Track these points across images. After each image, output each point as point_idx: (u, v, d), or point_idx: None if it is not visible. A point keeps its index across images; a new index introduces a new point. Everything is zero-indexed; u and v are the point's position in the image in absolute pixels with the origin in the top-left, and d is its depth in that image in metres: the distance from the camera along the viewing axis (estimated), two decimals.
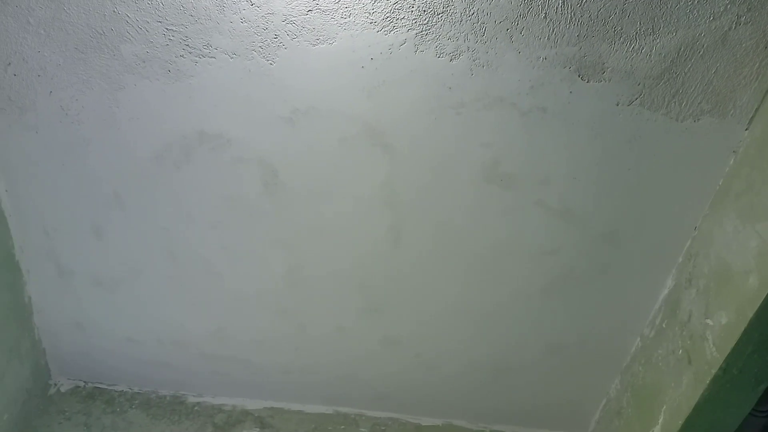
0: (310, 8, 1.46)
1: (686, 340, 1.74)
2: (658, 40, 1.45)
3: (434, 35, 1.49)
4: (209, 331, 2.17)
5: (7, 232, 1.92)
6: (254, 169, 1.73)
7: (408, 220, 1.81)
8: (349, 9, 1.46)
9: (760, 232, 1.46)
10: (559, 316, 2.00)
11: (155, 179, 1.78)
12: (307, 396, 2.36)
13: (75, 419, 2.28)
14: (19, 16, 1.51)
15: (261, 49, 1.53)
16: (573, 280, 1.89)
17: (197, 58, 1.55)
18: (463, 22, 1.46)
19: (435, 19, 1.46)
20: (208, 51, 1.54)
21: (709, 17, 1.41)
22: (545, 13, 1.44)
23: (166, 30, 1.51)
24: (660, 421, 1.82)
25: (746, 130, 1.56)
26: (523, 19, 1.45)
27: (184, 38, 1.52)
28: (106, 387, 2.40)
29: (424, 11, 1.45)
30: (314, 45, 1.52)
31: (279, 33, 1.50)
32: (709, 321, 1.64)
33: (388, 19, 1.47)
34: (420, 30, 1.48)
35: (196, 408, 2.37)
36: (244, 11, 1.47)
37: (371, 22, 1.48)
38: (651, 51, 1.47)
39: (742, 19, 1.40)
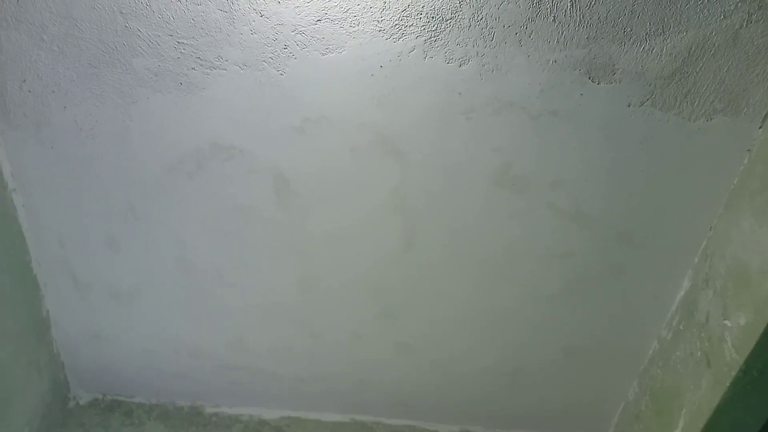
0: (319, 18, 1.47)
1: (704, 342, 1.72)
2: (668, 40, 1.44)
3: (443, 41, 1.49)
4: (225, 341, 2.18)
5: (25, 246, 1.95)
6: (266, 179, 1.74)
7: (420, 226, 1.81)
8: (357, 18, 1.47)
9: None
10: (574, 319, 1.99)
11: (169, 191, 1.79)
12: (324, 404, 2.35)
13: None
14: (33, 34, 1.54)
15: (271, 60, 1.54)
16: (588, 282, 1.88)
17: (208, 71, 1.57)
18: (472, 27, 1.46)
19: (443, 25, 1.47)
20: (219, 63, 1.55)
21: (720, 16, 1.40)
22: (554, 16, 1.44)
23: (177, 43, 1.53)
24: (680, 424, 1.80)
25: (760, 128, 1.55)
26: (532, 22, 1.45)
27: (195, 51, 1.54)
28: (124, 399, 2.41)
29: (433, 18, 1.46)
30: (324, 54, 1.53)
31: (289, 43, 1.52)
32: (727, 322, 1.62)
33: (397, 26, 1.48)
34: (429, 36, 1.49)
35: (213, 419, 2.38)
36: (253, 23, 1.49)
37: (380, 30, 1.49)
38: (661, 51, 1.46)
39: (754, 16, 1.39)
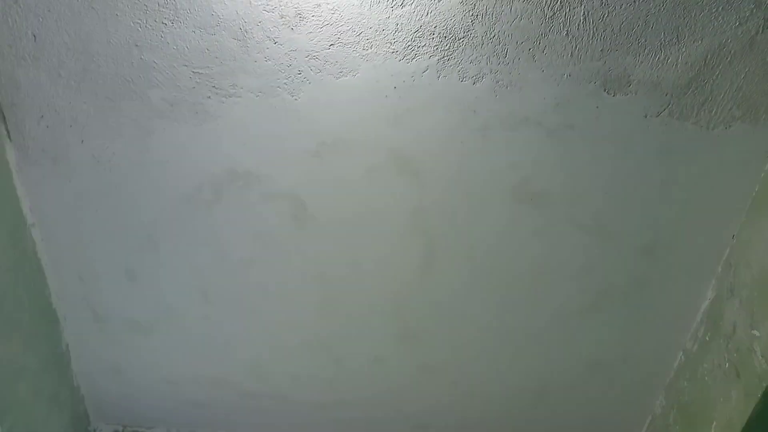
0: (332, 42, 1.48)
1: (732, 353, 1.69)
2: (683, 49, 1.44)
3: (456, 60, 1.49)
4: (245, 369, 2.17)
5: (44, 280, 1.95)
6: (284, 204, 1.74)
7: (440, 246, 1.79)
8: (370, 40, 1.48)
9: None
10: (598, 334, 1.96)
11: (187, 220, 1.79)
12: (345, 428, 2.32)
13: None
14: (51, 70, 1.56)
15: (286, 86, 1.55)
16: (610, 296, 1.86)
17: (224, 99, 1.58)
18: (485, 45, 1.47)
19: (456, 44, 1.47)
20: (234, 91, 1.56)
21: (735, 23, 1.40)
22: (567, 30, 1.44)
23: (192, 73, 1.54)
24: None
25: None
26: (545, 37, 1.45)
27: (211, 80, 1.55)
28: (144, 430, 2.39)
29: (445, 37, 1.46)
30: (338, 78, 1.54)
31: (303, 69, 1.52)
32: (755, 332, 1.59)
33: (410, 47, 1.48)
34: (442, 56, 1.49)
35: None
36: (267, 50, 1.50)
37: (393, 52, 1.49)
38: (677, 61, 1.46)
39: None
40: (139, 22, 1.48)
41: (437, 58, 1.49)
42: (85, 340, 2.12)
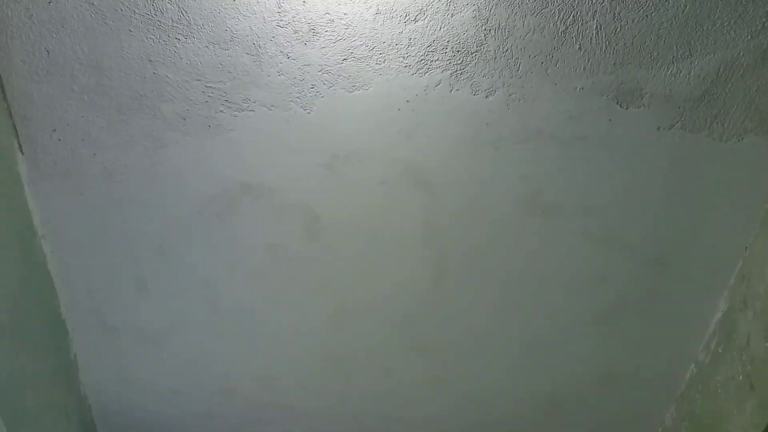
0: (345, 57, 1.49)
1: (746, 365, 1.68)
2: (696, 63, 1.44)
3: (469, 74, 1.50)
4: (254, 380, 2.16)
5: (53, 291, 1.95)
6: (296, 216, 1.74)
7: (452, 257, 1.79)
8: (383, 55, 1.48)
9: None
10: (609, 346, 1.95)
11: (199, 232, 1.79)
12: None
13: None
14: (64, 84, 1.56)
15: (298, 100, 1.55)
16: (622, 308, 1.85)
17: (236, 113, 1.58)
18: (497, 59, 1.47)
19: (469, 58, 1.47)
20: (246, 105, 1.57)
21: (747, 36, 1.40)
22: (579, 44, 1.44)
23: (205, 87, 1.55)
24: None
25: None
26: (558, 51, 1.45)
27: (223, 94, 1.56)
28: None
29: (458, 51, 1.47)
30: (350, 92, 1.54)
31: (315, 83, 1.53)
32: None
33: (423, 61, 1.49)
34: (454, 70, 1.49)
35: None
36: (280, 65, 1.50)
37: (406, 66, 1.50)
38: (689, 74, 1.46)
39: None
40: (153, 37, 1.48)
41: (450, 72, 1.50)
42: (93, 350, 2.12)
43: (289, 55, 1.49)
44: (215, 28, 1.47)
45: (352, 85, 1.53)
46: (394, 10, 1.43)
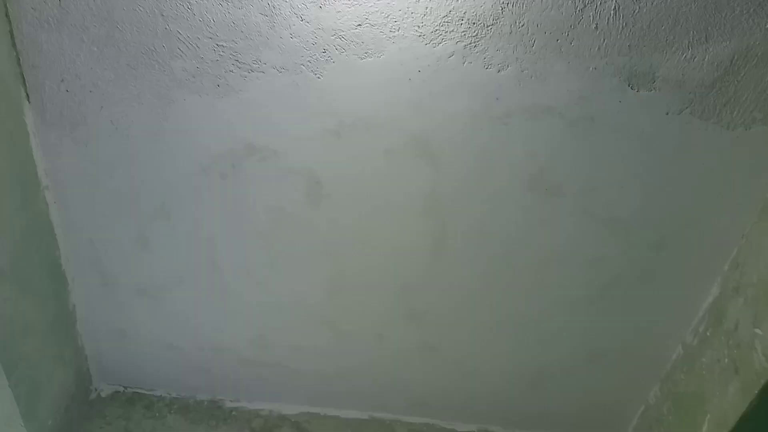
0: (359, 23, 1.47)
1: (733, 350, 1.72)
2: (711, 49, 1.44)
3: (483, 47, 1.49)
4: (248, 338, 2.20)
5: (54, 242, 1.96)
6: (299, 180, 1.75)
7: (452, 230, 1.81)
8: (398, 23, 1.47)
9: None
10: (600, 324, 2.00)
11: (202, 191, 1.80)
12: (343, 402, 2.37)
13: (116, 424, 2.32)
14: (74, 35, 1.54)
15: (309, 64, 1.54)
16: (617, 287, 1.89)
17: (246, 73, 1.57)
18: (513, 33, 1.46)
19: (484, 31, 1.46)
20: (257, 66, 1.56)
21: (765, 25, 1.39)
22: (596, 24, 1.43)
23: (216, 46, 1.53)
24: (704, 429, 1.81)
25: None
26: (574, 30, 1.44)
27: (234, 54, 1.54)
28: (145, 392, 2.43)
29: (474, 23, 1.46)
30: (362, 58, 1.53)
31: (328, 47, 1.52)
32: (758, 330, 1.62)
33: (437, 32, 1.47)
34: (469, 42, 1.48)
35: (233, 413, 2.39)
36: (294, 27, 1.49)
37: (420, 36, 1.48)
38: (703, 60, 1.46)
39: None
40: None
41: (464, 44, 1.49)
42: (91, 302, 2.14)
43: (303, 17, 1.47)
44: None
45: (365, 51, 1.52)
46: None
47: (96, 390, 2.42)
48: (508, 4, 1.42)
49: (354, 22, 1.47)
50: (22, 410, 1.91)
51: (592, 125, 1.58)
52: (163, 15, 1.49)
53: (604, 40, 1.45)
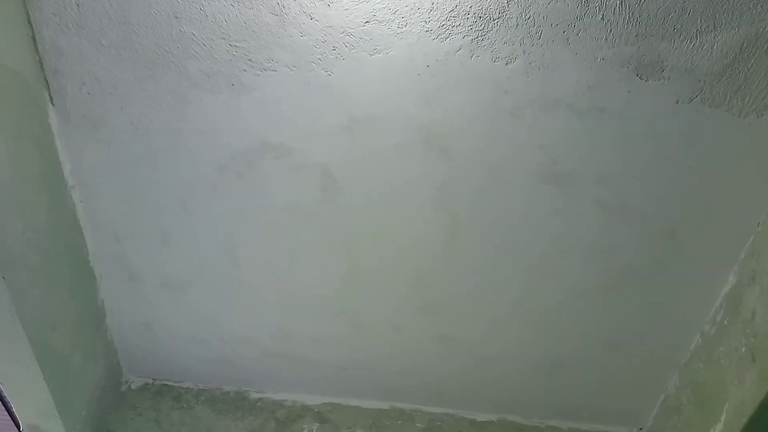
0: (367, 20, 1.50)
1: (750, 338, 1.72)
2: (719, 37, 1.43)
3: (490, 40, 1.50)
4: (270, 330, 2.25)
5: (82, 240, 2.03)
6: (314, 176, 1.79)
7: (465, 222, 1.83)
8: (405, 19, 1.49)
9: None
10: (617, 313, 2.00)
11: (220, 188, 1.85)
12: (364, 392, 2.41)
13: (146, 415, 2.40)
14: (93, 39, 1.60)
15: (320, 61, 1.58)
16: (632, 276, 1.89)
17: (259, 72, 1.61)
18: (519, 26, 1.47)
19: (491, 24, 1.48)
20: (269, 65, 1.59)
21: None
22: (603, 14, 1.43)
23: (229, 46, 1.58)
24: (722, 418, 1.80)
25: None
26: (580, 21, 1.45)
27: (247, 53, 1.58)
28: (173, 384, 2.50)
29: (480, 17, 1.47)
30: (371, 55, 1.56)
31: (337, 45, 1.55)
32: None
33: (444, 27, 1.49)
34: (476, 36, 1.50)
35: (258, 404, 2.45)
36: (303, 25, 1.52)
37: (427, 31, 1.50)
38: (712, 48, 1.45)
39: None
40: None
41: (471, 38, 1.50)
42: (119, 297, 2.22)
43: (312, 16, 1.51)
44: None
45: (374, 48, 1.55)
46: None
47: (127, 382, 2.50)
48: None
49: (362, 19, 1.50)
50: (57, 403, 1.99)
51: (601, 115, 1.58)
52: (177, 17, 1.54)
53: (610, 30, 1.45)
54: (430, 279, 1.98)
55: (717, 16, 1.40)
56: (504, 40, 1.49)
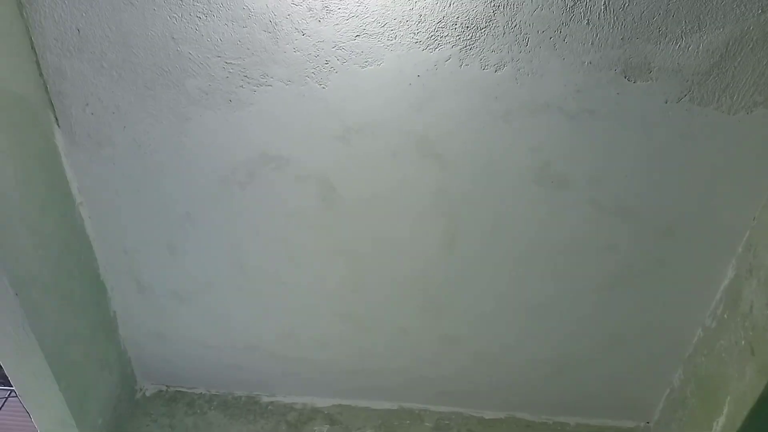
0: (357, 33, 1.53)
1: (748, 331, 1.73)
2: (704, 37, 1.45)
3: (478, 49, 1.53)
4: (278, 335, 2.29)
5: (92, 253, 2.09)
6: (313, 185, 1.83)
7: (462, 225, 1.86)
8: (394, 31, 1.52)
9: None
10: (619, 309, 2.02)
11: (223, 200, 1.90)
12: (373, 393, 2.45)
13: (161, 421, 2.45)
14: (94, 62, 1.65)
15: (314, 75, 1.62)
16: (631, 274, 1.91)
17: (255, 87, 1.65)
18: (506, 34, 1.50)
19: (478, 33, 1.51)
20: (265, 80, 1.64)
21: (758, 10, 1.40)
22: (588, 20, 1.46)
23: (225, 64, 1.62)
24: (724, 411, 1.82)
25: None
26: (566, 26, 1.47)
27: (243, 70, 1.63)
28: (186, 390, 2.56)
29: (467, 27, 1.50)
30: (363, 67, 1.59)
31: (329, 59, 1.58)
32: None
33: (432, 37, 1.53)
34: (464, 45, 1.53)
35: (269, 407, 2.50)
36: (296, 41, 1.56)
37: (416, 42, 1.54)
38: (698, 48, 1.47)
39: None
40: (175, 16, 1.55)
41: (459, 47, 1.53)
42: (130, 308, 2.27)
43: (304, 32, 1.55)
44: (233, 7, 1.53)
45: (365, 60, 1.58)
46: None
47: (141, 390, 2.56)
48: (499, 6, 1.46)
49: (352, 34, 1.54)
50: (74, 412, 2.05)
51: (592, 118, 1.60)
52: (174, 38, 1.59)
53: (596, 34, 1.47)
54: (431, 281, 2.02)
55: (701, 17, 1.42)
56: (492, 48, 1.52)
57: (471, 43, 1.52)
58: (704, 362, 1.98)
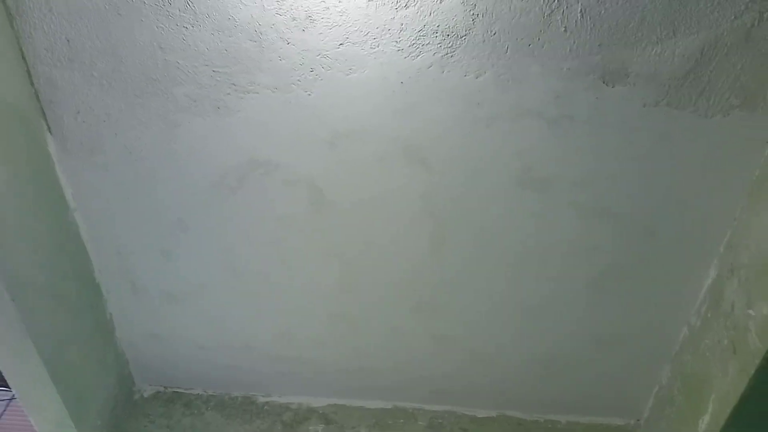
0: (341, 42, 1.57)
1: (730, 330, 1.76)
2: (680, 43, 1.48)
3: (459, 57, 1.56)
4: (273, 336, 2.32)
5: (87, 257, 2.13)
6: (302, 189, 1.86)
7: (449, 227, 1.89)
8: (377, 40, 1.55)
9: None
10: (606, 309, 2.04)
11: (214, 204, 1.93)
12: (368, 393, 2.48)
13: (159, 422, 2.48)
14: (84, 71, 1.69)
15: (299, 82, 1.65)
16: (616, 274, 1.94)
17: (242, 95, 1.69)
18: (486, 42, 1.53)
19: (458, 42, 1.54)
20: (252, 87, 1.67)
21: (731, 17, 1.42)
22: (565, 27, 1.49)
23: (213, 72, 1.65)
24: (709, 409, 1.85)
25: None
26: (544, 34, 1.50)
27: (230, 78, 1.66)
28: (183, 391, 2.59)
29: (448, 35, 1.53)
30: (347, 75, 1.62)
31: (315, 66, 1.62)
32: (751, 311, 1.66)
33: (414, 45, 1.56)
34: (445, 53, 1.56)
35: (265, 407, 2.53)
36: (281, 50, 1.60)
37: (399, 50, 1.57)
38: (674, 53, 1.49)
39: (765, 15, 1.41)
40: (162, 26, 1.59)
41: (441, 55, 1.56)
42: (126, 310, 2.31)
43: (289, 41, 1.58)
44: (219, 17, 1.56)
45: (349, 68, 1.61)
46: None
47: (139, 391, 2.59)
48: (478, 15, 1.49)
49: (336, 42, 1.57)
50: (72, 414, 2.08)
51: (571, 123, 1.63)
52: (161, 47, 1.62)
53: (574, 41, 1.50)
54: (420, 282, 2.05)
55: (675, 23, 1.45)
56: (472, 55, 1.55)
57: (452, 50, 1.55)
58: (690, 361, 2.01)
